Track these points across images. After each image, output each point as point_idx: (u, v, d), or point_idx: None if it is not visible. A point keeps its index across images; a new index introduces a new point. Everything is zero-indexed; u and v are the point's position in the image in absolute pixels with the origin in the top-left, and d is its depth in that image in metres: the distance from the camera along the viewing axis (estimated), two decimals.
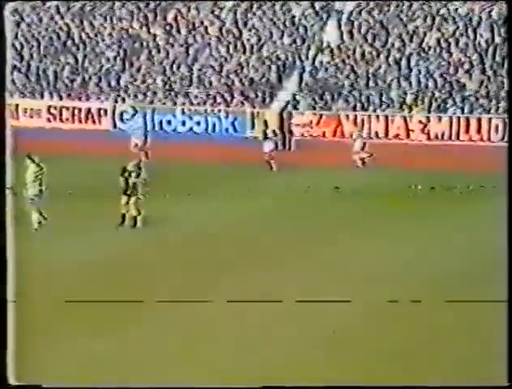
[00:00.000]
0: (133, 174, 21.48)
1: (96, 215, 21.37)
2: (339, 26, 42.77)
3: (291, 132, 37.02)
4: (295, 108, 39.61)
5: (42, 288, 13.61)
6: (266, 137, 33.35)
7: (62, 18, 45.68)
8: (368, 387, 10.29)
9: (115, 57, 43.64)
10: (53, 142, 34.04)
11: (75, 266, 15.52)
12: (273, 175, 30.39)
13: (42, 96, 42.52)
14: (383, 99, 39.52)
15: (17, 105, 41.26)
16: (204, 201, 24.08)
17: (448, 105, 39.04)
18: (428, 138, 38.10)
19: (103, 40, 44.48)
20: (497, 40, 41.00)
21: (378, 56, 41.29)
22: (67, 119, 41.18)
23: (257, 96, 40.48)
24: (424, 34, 41.85)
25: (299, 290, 15.13)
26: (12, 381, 8.58)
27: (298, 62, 41.76)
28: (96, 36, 44.78)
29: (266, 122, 37.06)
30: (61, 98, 42.34)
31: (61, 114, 41.31)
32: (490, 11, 42.10)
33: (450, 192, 25.62)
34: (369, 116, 38.82)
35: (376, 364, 11.36)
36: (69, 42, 44.73)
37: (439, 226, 21.08)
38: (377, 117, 38.79)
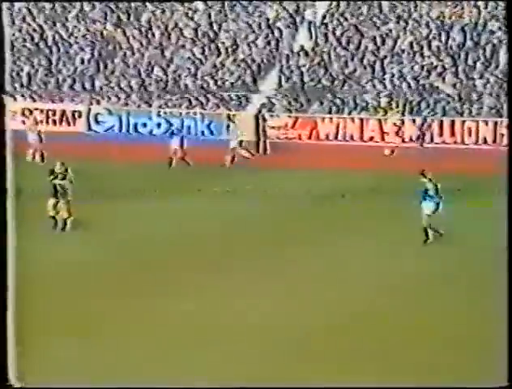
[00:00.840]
0: (59, 176, 21.32)
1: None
2: (313, 29, 42.95)
3: (266, 135, 37.05)
4: (270, 110, 39.71)
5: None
6: (172, 133, 33.38)
7: (34, 19, 45.42)
8: (367, 388, 10.35)
9: (89, 60, 43.48)
10: (28, 144, 33.83)
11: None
12: (250, 177, 30.45)
13: (15, 99, 42.25)
14: (358, 102, 39.75)
15: None
16: (181, 202, 24.07)
17: (422, 108, 39.35)
18: (403, 141, 38.34)
19: (77, 42, 44.29)
20: (469, 43, 41.40)
21: (352, 59, 41.54)
22: (41, 121, 40.94)
23: (232, 98, 40.54)
24: (398, 37, 42.15)
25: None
26: (13, 382, 8.57)
27: (273, 65, 41.89)
28: (69, 37, 44.58)
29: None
30: (34, 100, 42.10)
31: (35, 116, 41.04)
32: (461, 15, 42.50)
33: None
34: (345, 118, 39.02)
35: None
36: (42, 44, 44.50)
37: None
38: (353, 119, 39.00)
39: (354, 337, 12.73)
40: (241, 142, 33.30)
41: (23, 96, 42.42)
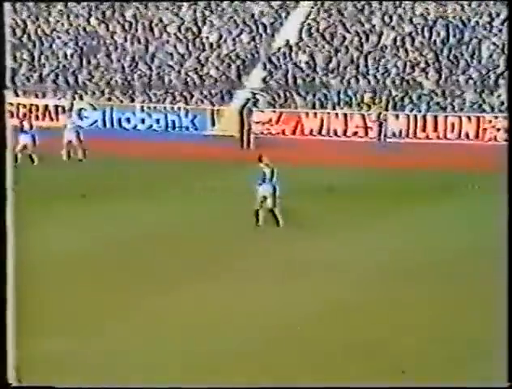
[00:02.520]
0: None
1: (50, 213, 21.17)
2: (298, 23, 43.04)
3: (250, 130, 37.06)
4: (254, 105, 39.73)
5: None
6: (22, 129, 33.18)
7: (18, 13, 45.20)
8: (367, 388, 10.37)
9: (72, 54, 43.33)
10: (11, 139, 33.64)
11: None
12: (233, 173, 30.44)
13: None
14: (341, 97, 39.85)
15: None
16: (159, 199, 24.01)
17: (405, 103, 39.50)
18: (385, 136, 38.48)
19: (59, 38, 44.12)
20: (452, 40, 41.62)
21: (336, 54, 41.64)
22: (24, 116, 40.74)
23: (216, 93, 40.55)
24: (381, 33, 42.30)
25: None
26: (12, 381, 8.58)
27: (257, 60, 41.93)
28: (52, 32, 44.41)
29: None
30: (17, 95, 41.90)
31: (18, 111, 40.87)
32: (445, 11, 42.69)
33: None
34: (329, 113, 39.11)
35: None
36: (25, 38, 44.30)
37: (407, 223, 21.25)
38: (336, 114, 39.10)
39: (347, 334, 12.78)
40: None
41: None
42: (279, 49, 41.99)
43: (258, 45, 42.42)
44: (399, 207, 22.54)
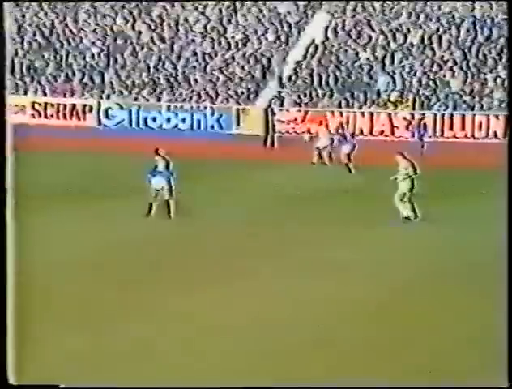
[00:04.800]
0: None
1: (78, 212, 21.26)
2: (324, 23, 42.94)
3: (274, 129, 36.93)
4: (280, 104, 39.70)
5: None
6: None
7: (46, 14, 45.55)
8: (367, 388, 10.33)
9: (99, 54, 43.56)
10: (38, 138, 33.93)
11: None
12: (258, 172, 30.43)
13: (26, 93, 42.39)
14: (368, 96, 39.70)
15: None
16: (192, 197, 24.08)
17: (432, 102, 39.26)
18: (412, 135, 38.26)
19: (86, 37, 44.38)
20: (480, 38, 41.28)
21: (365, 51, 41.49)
22: (52, 115, 41.05)
23: (242, 92, 40.56)
24: (408, 31, 42.07)
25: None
26: (12, 380, 8.60)
27: (282, 59, 41.91)
28: (79, 32, 44.68)
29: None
30: (45, 94, 42.21)
31: (45, 111, 41.18)
32: (473, 9, 42.36)
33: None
34: (354, 112, 38.95)
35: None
36: (53, 38, 44.61)
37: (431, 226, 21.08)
38: (362, 113, 38.93)
39: (358, 335, 12.73)
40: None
41: (35, 90, 42.53)
42: (298, 62, 41.75)
43: (283, 44, 42.36)
44: (435, 206, 22.40)
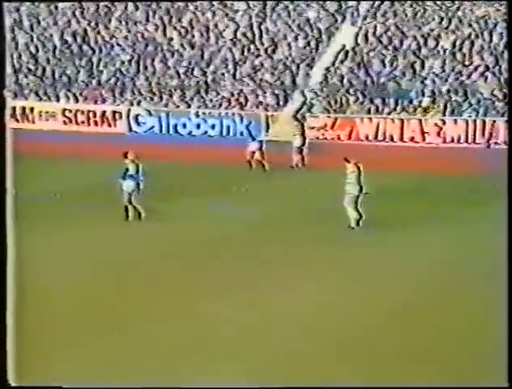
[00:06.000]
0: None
1: (109, 215, 21.47)
2: (354, 28, 42.78)
3: (304, 134, 36.73)
4: (309, 111, 39.57)
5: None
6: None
7: (78, 22, 45.88)
8: (368, 388, 10.28)
9: (130, 61, 43.77)
10: (69, 145, 34.18)
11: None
12: (289, 177, 30.39)
13: (58, 99, 42.70)
14: (398, 102, 39.43)
15: (32, 108, 41.50)
16: (219, 202, 24.13)
17: (463, 108, 38.89)
18: (444, 141, 37.93)
19: (118, 44, 44.62)
20: None
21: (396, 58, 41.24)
22: (82, 122, 41.30)
23: (271, 99, 40.49)
24: (439, 36, 41.76)
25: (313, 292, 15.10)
26: (12, 381, 8.58)
27: (312, 65, 41.79)
28: (111, 39, 44.94)
29: None
30: (76, 101, 42.47)
31: (76, 117, 41.44)
32: (506, 13, 41.91)
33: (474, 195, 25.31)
34: (385, 119, 38.72)
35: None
36: (84, 45, 44.91)
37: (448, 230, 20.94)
38: (393, 120, 38.68)
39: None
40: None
41: (67, 97, 42.81)
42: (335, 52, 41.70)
43: (313, 50, 42.24)
44: (466, 211, 22.28)
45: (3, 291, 8.53)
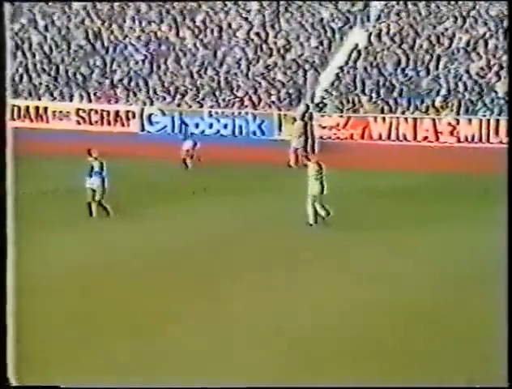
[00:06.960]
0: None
1: (123, 215, 21.55)
2: (367, 27, 42.66)
3: (313, 134, 36.60)
4: (321, 110, 39.46)
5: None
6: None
7: (92, 21, 45.98)
8: (367, 388, 10.26)
9: (143, 60, 43.81)
10: (82, 144, 34.27)
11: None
12: (300, 177, 30.35)
13: (71, 99, 42.80)
14: (411, 101, 39.27)
15: (46, 108, 41.63)
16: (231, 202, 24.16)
17: (477, 107, 38.69)
18: (458, 141, 37.77)
19: (131, 44, 44.68)
20: None
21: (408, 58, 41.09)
22: (96, 122, 41.39)
23: (284, 98, 40.42)
24: (454, 35, 41.58)
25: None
26: (13, 381, 8.58)
27: (326, 64, 41.69)
28: (124, 38, 45.00)
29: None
30: (90, 101, 42.56)
31: (90, 117, 41.53)
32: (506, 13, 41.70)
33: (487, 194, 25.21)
34: (398, 118, 38.58)
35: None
36: (98, 45, 44.99)
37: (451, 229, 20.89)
38: (406, 119, 38.54)
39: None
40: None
41: (80, 96, 42.90)
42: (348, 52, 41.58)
43: (325, 50, 42.16)
44: (477, 210, 22.22)
45: (3, 291, 8.53)
